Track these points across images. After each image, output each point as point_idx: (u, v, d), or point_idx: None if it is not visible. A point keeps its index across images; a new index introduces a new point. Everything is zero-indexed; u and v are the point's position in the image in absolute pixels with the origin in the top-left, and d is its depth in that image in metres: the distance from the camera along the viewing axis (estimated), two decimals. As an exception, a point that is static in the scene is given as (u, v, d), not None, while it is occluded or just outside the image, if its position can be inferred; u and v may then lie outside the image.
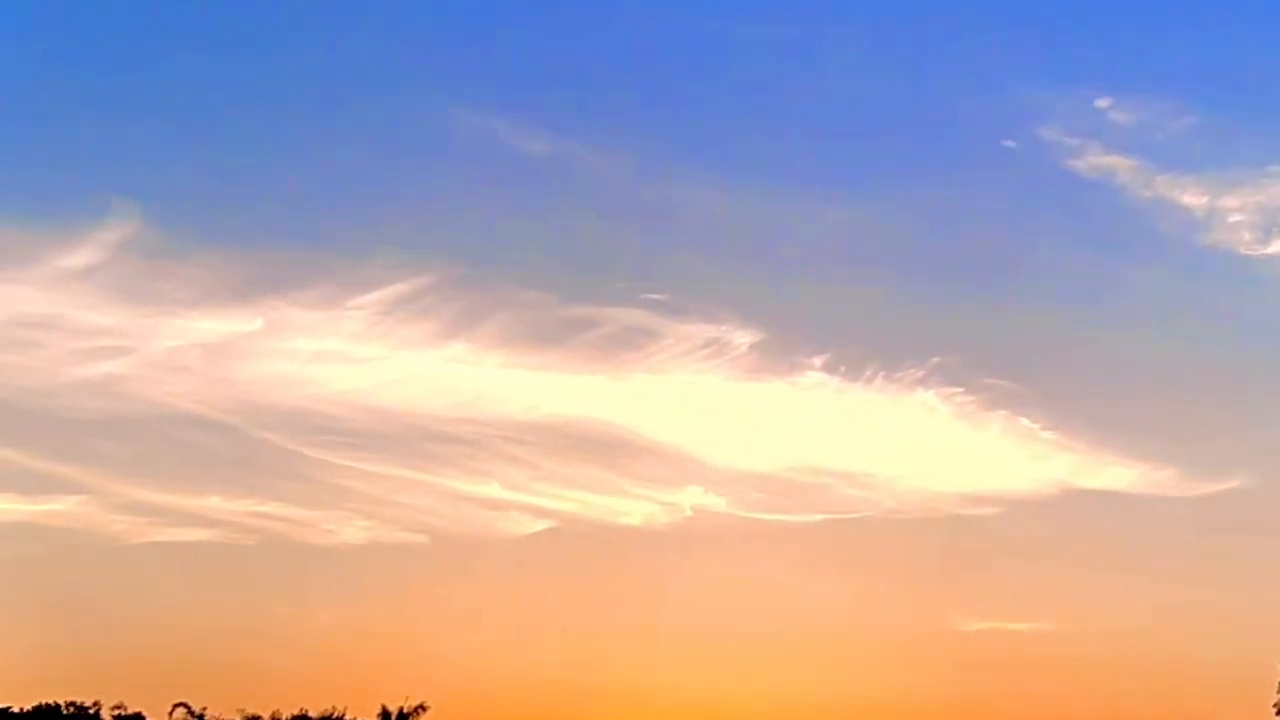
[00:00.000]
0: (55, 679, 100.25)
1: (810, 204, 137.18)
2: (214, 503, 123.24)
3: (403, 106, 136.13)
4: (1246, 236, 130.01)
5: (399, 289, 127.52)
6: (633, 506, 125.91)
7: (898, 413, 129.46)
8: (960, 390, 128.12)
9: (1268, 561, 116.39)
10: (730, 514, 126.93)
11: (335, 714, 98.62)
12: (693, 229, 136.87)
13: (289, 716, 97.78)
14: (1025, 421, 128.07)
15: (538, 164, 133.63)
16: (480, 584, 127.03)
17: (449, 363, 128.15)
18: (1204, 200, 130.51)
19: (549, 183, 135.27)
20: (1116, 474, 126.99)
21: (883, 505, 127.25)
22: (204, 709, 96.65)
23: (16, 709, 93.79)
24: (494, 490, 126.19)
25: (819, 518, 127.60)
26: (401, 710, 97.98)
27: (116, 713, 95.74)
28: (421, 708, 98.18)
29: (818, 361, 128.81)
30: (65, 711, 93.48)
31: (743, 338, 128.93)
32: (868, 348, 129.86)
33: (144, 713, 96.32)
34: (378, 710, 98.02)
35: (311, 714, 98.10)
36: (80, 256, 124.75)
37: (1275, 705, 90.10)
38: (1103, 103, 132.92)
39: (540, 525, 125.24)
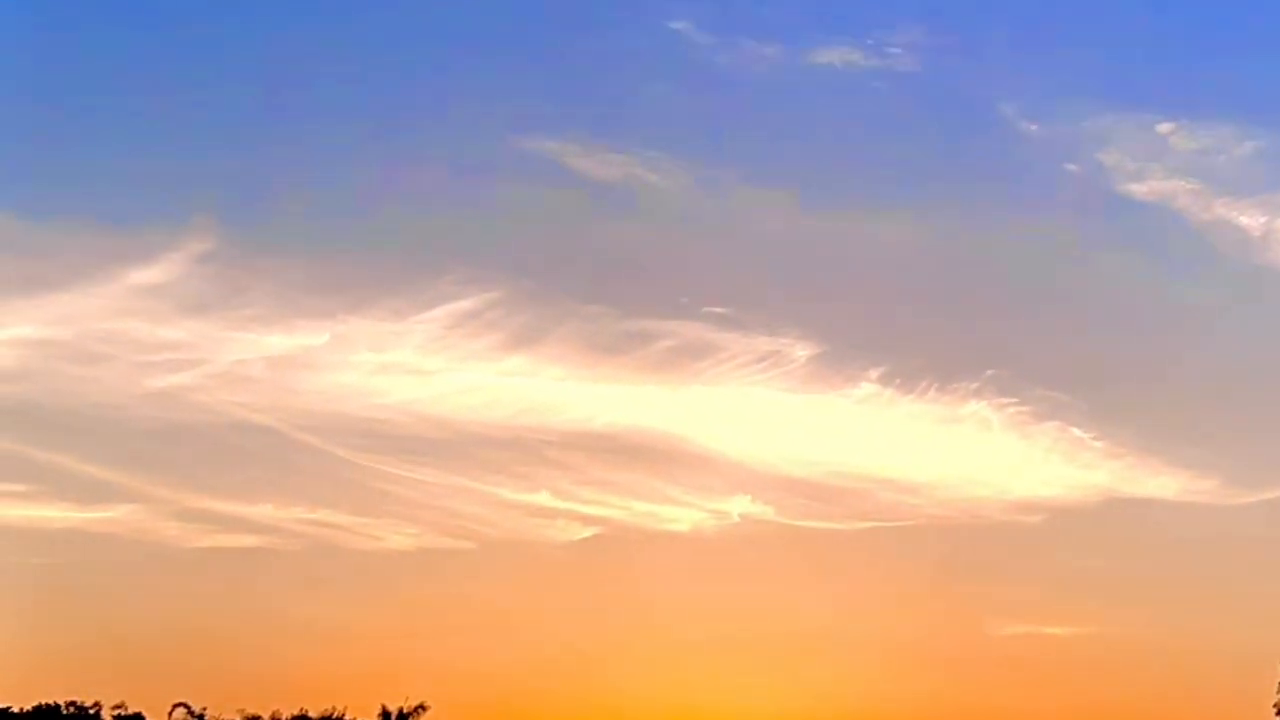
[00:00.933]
0: (80, 678, 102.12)
1: (871, 222, 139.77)
2: (265, 510, 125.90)
3: (472, 130, 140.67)
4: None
5: (466, 304, 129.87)
6: (680, 514, 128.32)
7: (949, 423, 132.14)
8: (1014, 401, 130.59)
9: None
10: (777, 521, 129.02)
11: (335, 714, 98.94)
12: (755, 245, 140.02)
13: (289, 716, 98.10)
14: (1076, 431, 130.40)
15: (603, 184, 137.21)
16: (522, 589, 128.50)
17: (508, 375, 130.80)
18: (1262, 221, 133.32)
19: (614, 202, 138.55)
20: (1161, 483, 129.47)
21: (929, 513, 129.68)
22: (204, 709, 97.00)
23: (16, 709, 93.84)
24: (543, 499, 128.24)
25: (865, 525, 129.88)
26: (401, 710, 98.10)
27: (117, 713, 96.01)
28: (421, 708, 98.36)
29: (874, 374, 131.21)
30: (65, 712, 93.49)
31: (801, 351, 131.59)
32: (924, 361, 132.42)
33: (144, 713, 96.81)
34: (378, 710, 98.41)
35: (311, 714, 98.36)
36: (156, 271, 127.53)
37: (1275, 705, 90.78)
38: (1164, 128, 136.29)
39: (587, 532, 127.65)
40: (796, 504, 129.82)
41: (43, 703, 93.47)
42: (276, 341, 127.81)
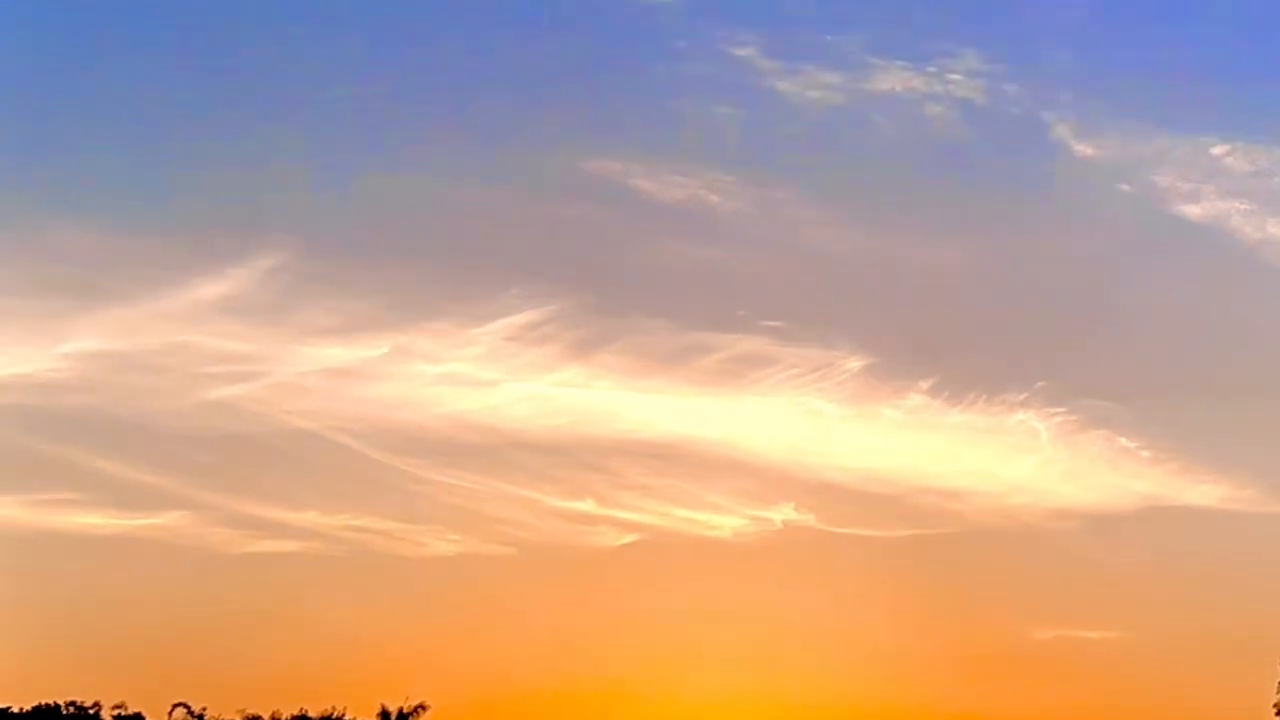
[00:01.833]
0: (93, 679, 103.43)
1: (925, 239, 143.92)
2: (310, 516, 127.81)
3: (538, 152, 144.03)
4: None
5: (526, 317, 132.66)
6: (722, 520, 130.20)
7: (996, 433, 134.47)
8: (1063, 411, 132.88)
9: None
10: (819, 528, 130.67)
11: (335, 714, 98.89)
12: (811, 262, 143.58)
13: (289, 716, 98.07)
14: (1123, 441, 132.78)
15: (666, 204, 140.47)
16: (559, 592, 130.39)
17: (562, 385, 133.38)
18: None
19: (676, 220, 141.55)
20: (1203, 491, 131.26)
21: (973, 520, 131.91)
22: (204, 709, 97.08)
23: (16, 709, 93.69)
24: (587, 506, 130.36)
25: (906, 533, 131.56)
26: (401, 710, 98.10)
27: (117, 713, 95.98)
28: (421, 707, 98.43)
29: (924, 385, 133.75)
30: (65, 712, 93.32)
31: (853, 363, 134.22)
32: (974, 373, 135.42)
33: (144, 714, 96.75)
34: (377, 710, 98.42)
35: (311, 714, 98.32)
36: (223, 285, 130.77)
37: (1275, 705, 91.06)
38: (1219, 150, 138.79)
39: (627, 538, 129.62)
40: (839, 511, 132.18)
41: (43, 703, 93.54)
42: (336, 353, 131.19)
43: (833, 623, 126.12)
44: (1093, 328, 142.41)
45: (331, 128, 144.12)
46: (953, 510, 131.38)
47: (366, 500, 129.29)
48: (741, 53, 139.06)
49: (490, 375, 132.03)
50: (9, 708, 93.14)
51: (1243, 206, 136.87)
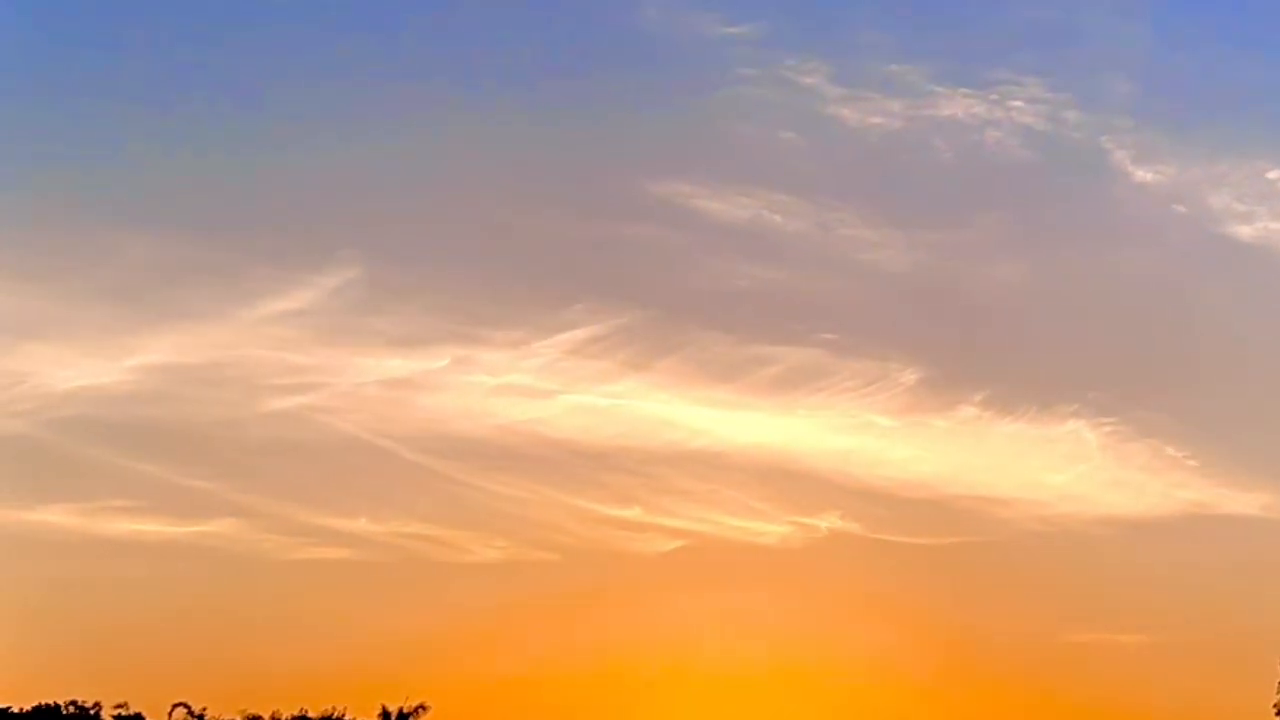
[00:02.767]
0: (109, 680, 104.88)
1: (981, 257, 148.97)
2: (361, 524, 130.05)
3: (606, 173, 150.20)
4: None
5: (588, 331, 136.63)
6: (768, 528, 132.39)
7: (1046, 443, 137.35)
8: (1113, 420, 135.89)
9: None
10: (865, 535, 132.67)
11: (335, 714, 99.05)
12: (869, 279, 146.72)
13: (289, 716, 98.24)
14: (1171, 450, 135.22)
15: (730, 224, 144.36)
16: (602, 596, 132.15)
17: (619, 397, 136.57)
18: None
19: (739, 239, 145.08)
20: (1248, 500, 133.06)
21: (1017, 527, 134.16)
22: (204, 709, 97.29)
23: (16, 709, 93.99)
24: (635, 513, 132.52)
25: (951, 540, 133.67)
26: (402, 710, 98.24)
27: (118, 713, 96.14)
28: (422, 708, 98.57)
29: (976, 398, 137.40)
30: (66, 711, 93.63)
31: (908, 376, 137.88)
32: (1026, 385, 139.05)
33: (144, 714, 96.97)
34: (378, 710, 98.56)
35: (311, 714, 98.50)
36: (297, 299, 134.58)
37: (1275, 705, 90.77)
38: (1273, 174, 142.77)
39: (673, 544, 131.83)
40: (885, 519, 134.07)
41: (43, 703, 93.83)
42: (396, 364, 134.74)
43: (872, 626, 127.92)
44: (1145, 342, 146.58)
45: (404, 148, 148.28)
46: (998, 517, 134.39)
47: (417, 507, 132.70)
48: (809, 81, 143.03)
49: (548, 386, 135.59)
50: (9, 708, 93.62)
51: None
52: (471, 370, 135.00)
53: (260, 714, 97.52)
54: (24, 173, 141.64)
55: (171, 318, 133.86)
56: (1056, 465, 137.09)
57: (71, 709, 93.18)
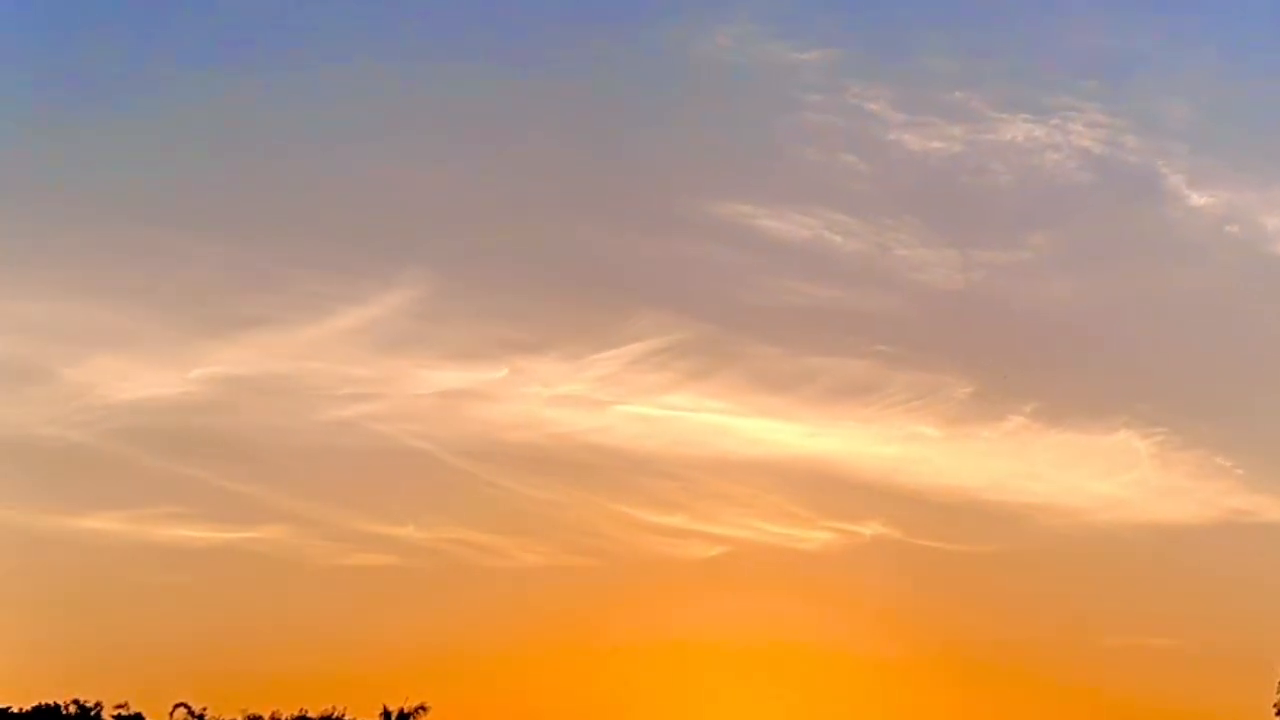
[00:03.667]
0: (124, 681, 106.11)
1: (1035, 275, 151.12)
2: (408, 530, 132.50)
3: (673, 196, 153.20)
4: None
5: (648, 345, 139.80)
6: (811, 535, 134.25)
7: (1093, 452, 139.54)
8: (1163, 430, 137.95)
9: None
10: (907, 541, 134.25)
11: (335, 714, 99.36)
12: (924, 296, 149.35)
13: (289, 716, 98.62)
14: (1219, 459, 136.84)
15: (790, 243, 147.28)
16: (642, 601, 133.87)
17: (672, 409, 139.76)
18: None
19: (798, 259, 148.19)
20: None
21: (1060, 534, 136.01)
22: (204, 709, 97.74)
23: (16, 709, 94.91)
24: (679, 521, 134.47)
25: (992, 547, 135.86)
26: (402, 710, 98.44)
27: (118, 713, 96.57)
28: (422, 708, 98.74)
29: (1026, 409, 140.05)
30: (66, 711, 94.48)
31: (960, 389, 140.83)
32: (1077, 397, 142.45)
33: (144, 714, 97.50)
34: (379, 710, 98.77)
35: (311, 714, 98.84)
36: (364, 313, 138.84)
37: (1275, 705, 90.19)
38: None
39: (715, 550, 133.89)
40: (928, 526, 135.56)
41: (43, 703, 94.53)
42: (455, 376, 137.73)
43: (910, 628, 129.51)
44: (1195, 357, 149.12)
45: (473, 166, 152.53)
46: (1043, 524, 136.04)
47: (463, 513, 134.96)
48: (873, 107, 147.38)
49: (604, 398, 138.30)
50: (9, 708, 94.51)
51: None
52: (528, 382, 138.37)
53: (260, 714, 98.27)
54: (93, 185, 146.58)
55: (237, 330, 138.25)
56: (1104, 473, 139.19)
57: (72, 708, 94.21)
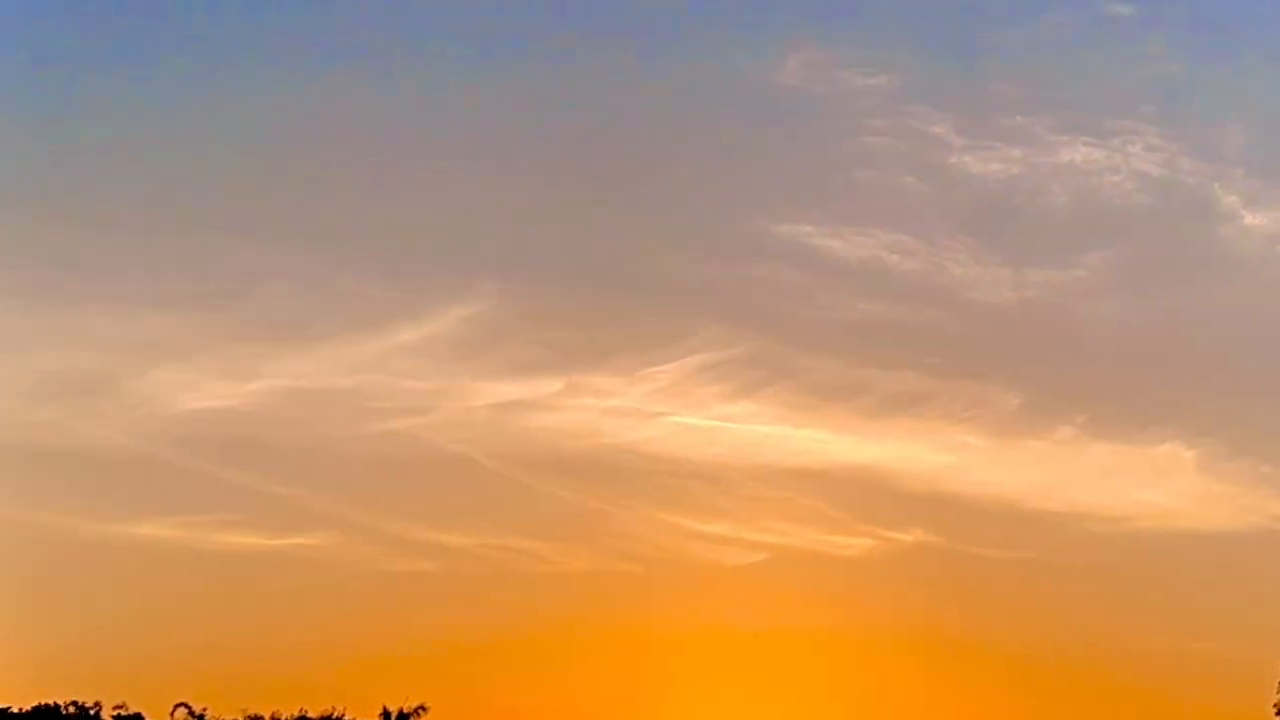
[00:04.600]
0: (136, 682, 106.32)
1: (1089, 293, 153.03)
2: (452, 536, 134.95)
3: (735, 216, 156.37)
4: None
5: (704, 358, 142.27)
6: (853, 541, 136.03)
7: (1140, 461, 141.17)
8: (1209, 440, 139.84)
9: None
10: (948, 548, 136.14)
11: (335, 714, 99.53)
12: (977, 312, 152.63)
13: (289, 716, 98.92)
14: (1266, 468, 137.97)
15: (848, 263, 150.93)
16: (680, 607, 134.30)
17: (724, 420, 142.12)
18: None
19: (856, 278, 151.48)
20: None
21: (1103, 541, 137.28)
22: (205, 709, 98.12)
23: (16, 709, 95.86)
24: (722, 528, 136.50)
25: (1033, 554, 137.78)
26: (402, 710, 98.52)
27: (117, 713, 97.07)
28: (422, 708, 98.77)
29: (1077, 420, 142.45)
30: (66, 711, 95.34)
31: (1009, 400, 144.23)
32: (1124, 409, 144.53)
33: (144, 714, 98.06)
34: (379, 710, 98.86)
35: (311, 714, 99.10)
36: (426, 328, 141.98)
37: (1275, 705, 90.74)
38: None
39: (756, 557, 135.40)
40: (971, 533, 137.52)
41: (43, 703, 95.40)
42: (512, 388, 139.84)
43: (951, 632, 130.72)
44: (1244, 370, 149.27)
45: (541, 184, 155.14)
46: (1086, 531, 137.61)
47: (510, 520, 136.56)
48: (936, 130, 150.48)
49: (657, 409, 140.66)
50: (9, 708, 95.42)
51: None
52: (583, 394, 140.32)
53: (261, 714, 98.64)
54: (162, 199, 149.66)
55: (300, 343, 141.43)
56: (1150, 482, 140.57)
57: (71, 709, 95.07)
